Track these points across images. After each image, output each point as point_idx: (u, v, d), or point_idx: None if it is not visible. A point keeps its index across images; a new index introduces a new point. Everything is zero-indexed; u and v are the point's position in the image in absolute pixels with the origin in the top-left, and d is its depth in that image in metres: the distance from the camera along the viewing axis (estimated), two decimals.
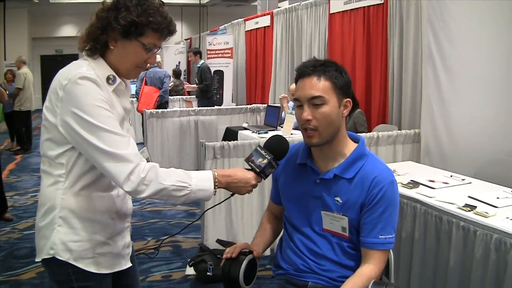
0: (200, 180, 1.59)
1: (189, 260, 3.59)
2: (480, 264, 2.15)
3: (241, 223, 3.77)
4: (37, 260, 1.62)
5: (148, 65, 7.02)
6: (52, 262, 1.58)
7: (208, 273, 3.38)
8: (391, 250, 1.79)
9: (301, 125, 1.73)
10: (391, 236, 1.72)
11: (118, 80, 1.60)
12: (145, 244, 4.18)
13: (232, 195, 1.77)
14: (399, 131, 4.12)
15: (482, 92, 3.45)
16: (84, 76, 1.47)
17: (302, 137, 1.79)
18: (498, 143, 3.30)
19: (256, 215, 3.72)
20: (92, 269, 1.60)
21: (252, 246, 1.88)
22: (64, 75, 1.50)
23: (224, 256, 1.80)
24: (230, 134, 5.70)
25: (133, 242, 4.27)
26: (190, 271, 3.53)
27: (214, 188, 1.62)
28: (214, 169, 1.67)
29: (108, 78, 1.56)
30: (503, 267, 2.03)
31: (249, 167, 1.71)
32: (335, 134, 1.75)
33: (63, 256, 1.56)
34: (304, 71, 1.73)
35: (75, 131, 1.46)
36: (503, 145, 3.26)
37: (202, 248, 3.59)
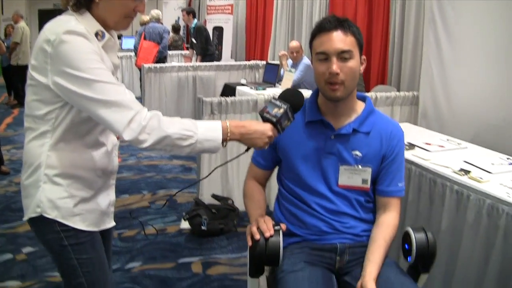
0: (208, 130, 1.48)
1: (184, 214, 3.63)
2: (472, 229, 2.17)
3: (237, 179, 3.80)
4: (24, 219, 1.57)
5: (148, 19, 6.87)
6: (39, 221, 1.53)
7: (202, 227, 3.43)
8: None
9: (326, 79, 1.70)
10: (403, 183, 1.84)
11: (107, 36, 1.52)
12: (141, 198, 4.22)
13: (247, 150, 1.63)
14: (397, 92, 4.11)
15: (483, 58, 3.41)
16: (73, 30, 1.39)
17: None
18: (497, 109, 3.28)
19: None
20: (80, 226, 1.56)
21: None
22: (51, 29, 1.42)
23: (258, 235, 1.65)
24: (228, 90, 5.68)
25: (129, 195, 4.33)
26: (185, 225, 3.58)
27: (226, 140, 1.51)
28: (227, 120, 1.56)
29: (96, 34, 1.49)
30: (494, 233, 2.05)
31: (263, 120, 1.60)
32: (353, 90, 1.77)
33: (51, 214, 1.51)
34: (329, 25, 1.70)
35: (68, 90, 1.40)
36: (501, 112, 3.25)
37: (197, 202, 3.63)
